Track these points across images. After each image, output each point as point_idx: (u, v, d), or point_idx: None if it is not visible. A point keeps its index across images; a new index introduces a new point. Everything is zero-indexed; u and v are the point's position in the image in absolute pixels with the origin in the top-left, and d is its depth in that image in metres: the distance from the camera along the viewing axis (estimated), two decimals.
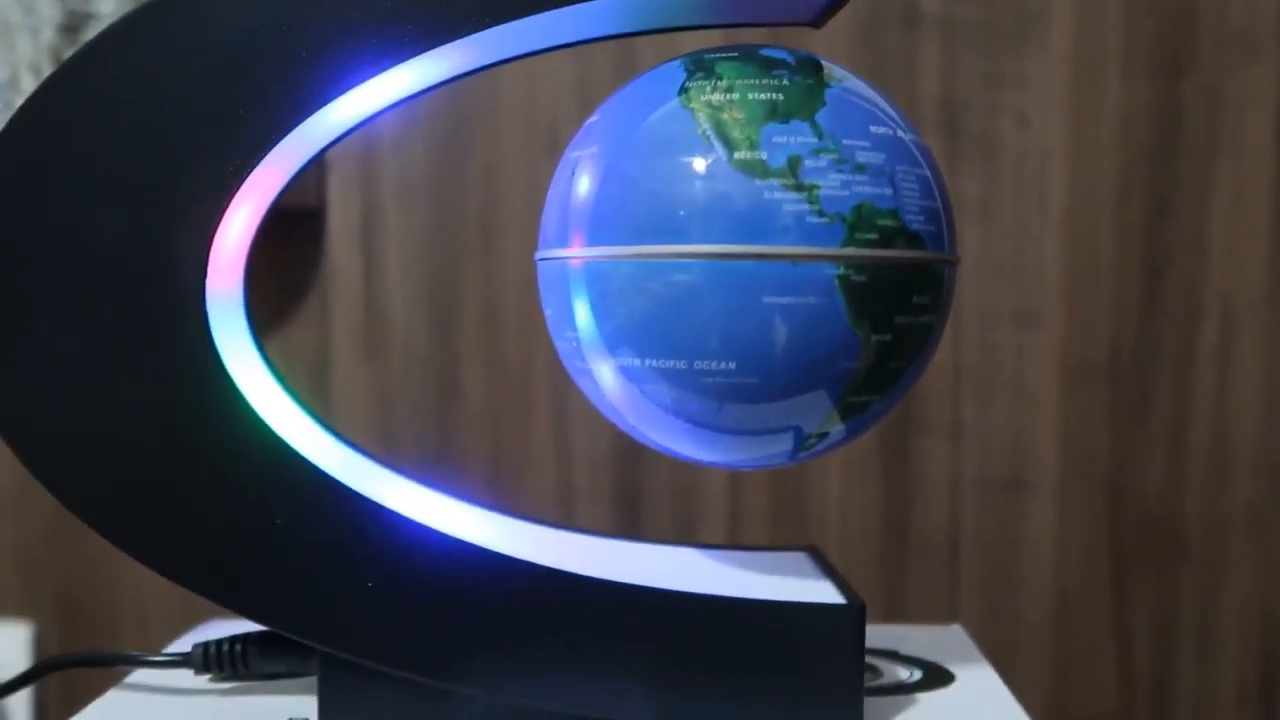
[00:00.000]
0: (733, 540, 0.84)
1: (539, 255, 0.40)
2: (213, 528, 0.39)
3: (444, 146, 0.86)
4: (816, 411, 0.37)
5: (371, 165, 0.86)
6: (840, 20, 0.85)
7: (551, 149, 0.86)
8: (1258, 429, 0.82)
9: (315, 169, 0.84)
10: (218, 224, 0.38)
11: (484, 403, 0.85)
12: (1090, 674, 0.84)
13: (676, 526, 0.84)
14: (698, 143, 0.35)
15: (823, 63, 0.39)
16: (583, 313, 0.37)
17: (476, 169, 0.86)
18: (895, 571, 0.84)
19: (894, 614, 0.84)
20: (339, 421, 0.87)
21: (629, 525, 0.85)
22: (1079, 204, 0.82)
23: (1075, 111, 0.82)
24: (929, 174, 0.37)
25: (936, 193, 0.38)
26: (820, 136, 0.35)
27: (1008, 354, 0.83)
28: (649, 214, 0.35)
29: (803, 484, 0.84)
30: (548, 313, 0.40)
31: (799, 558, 0.45)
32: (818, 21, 0.43)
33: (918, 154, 0.37)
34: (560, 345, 0.40)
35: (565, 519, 0.85)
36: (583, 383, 0.40)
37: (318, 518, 0.38)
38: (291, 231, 0.86)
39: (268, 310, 0.87)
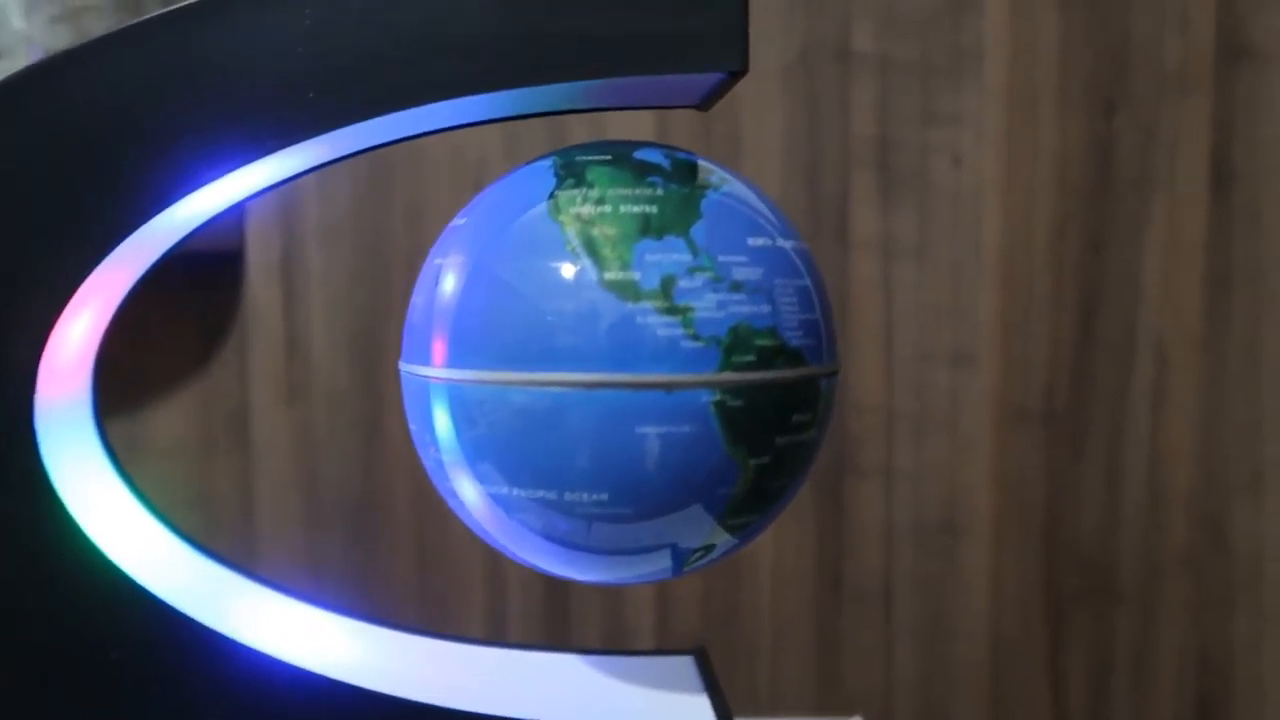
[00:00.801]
0: (660, 589, 0.83)
1: (402, 365, 0.38)
2: (40, 660, 0.36)
3: (368, 184, 0.83)
4: (696, 533, 0.35)
5: (292, 204, 0.84)
6: (773, 59, 0.84)
7: (478, 186, 0.83)
8: (1192, 470, 0.81)
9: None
10: (49, 331, 0.35)
11: (410, 446, 0.83)
12: (1025, 717, 0.83)
13: None
14: (567, 260, 0.33)
15: (699, 163, 0.37)
16: (446, 433, 0.35)
17: (402, 207, 0.84)
18: (829, 616, 0.83)
19: (829, 660, 0.83)
20: (259, 467, 0.85)
21: None
22: (1013, 243, 0.81)
23: (1009, 150, 0.81)
24: (809, 283, 0.36)
25: (816, 302, 0.36)
26: (695, 253, 0.33)
27: (941, 395, 0.82)
28: (515, 336, 0.33)
29: None
30: (412, 427, 0.38)
31: (684, 664, 0.43)
32: (703, 105, 0.41)
33: (798, 262, 0.36)
34: (426, 463, 0.38)
35: (491, 566, 0.83)
36: (451, 502, 0.38)
37: (157, 651, 0.36)
38: (209, 274, 0.83)
39: (184, 355, 0.84)
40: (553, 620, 0.84)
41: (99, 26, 0.74)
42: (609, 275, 0.33)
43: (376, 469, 0.84)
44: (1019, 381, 0.82)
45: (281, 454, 0.85)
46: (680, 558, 0.36)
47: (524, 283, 0.33)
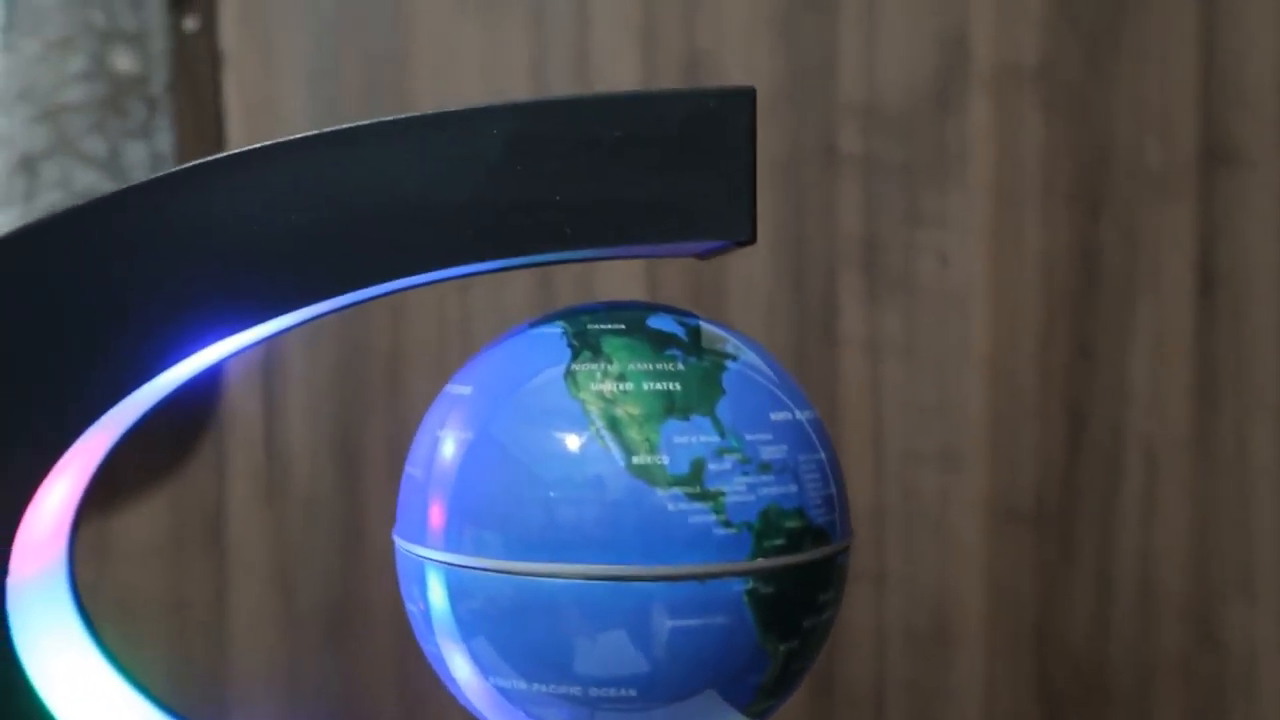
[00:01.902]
0: None
1: (397, 538, 0.36)
2: None
3: None
4: None
5: None
6: (759, 159, 0.83)
7: (462, 284, 0.82)
8: (1183, 573, 0.81)
9: None
10: (23, 512, 0.33)
11: (391, 549, 0.81)
12: None
13: None
14: (591, 443, 0.32)
15: (703, 328, 0.35)
16: (448, 621, 0.33)
17: (383, 306, 0.83)
18: None
19: None
20: (234, 570, 0.82)
21: None
22: (1001, 343, 0.81)
23: (995, 250, 0.81)
24: (824, 455, 0.35)
25: (831, 475, 0.35)
26: (723, 434, 0.32)
27: (931, 497, 0.81)
28: (533, 524, 0.31)
29: None
30: (410, 608, 0.36)
31: None
32: (704, 257, 0.40)
33: (814, 436, 0.35)
34: (425, 648, 0.36)
35: None
36: (453, 688, 0.36)
37: None
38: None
39: (158, 454, 0.82)
40: None
41: (79, 125, 0.73)
42: (637, 460, 0.31)
43: (356, 574, 0.82)
44: (1008, 483, 0.81)
45: (258, 557, 0.82)
46: None
47: (540, 465, 0.32)
